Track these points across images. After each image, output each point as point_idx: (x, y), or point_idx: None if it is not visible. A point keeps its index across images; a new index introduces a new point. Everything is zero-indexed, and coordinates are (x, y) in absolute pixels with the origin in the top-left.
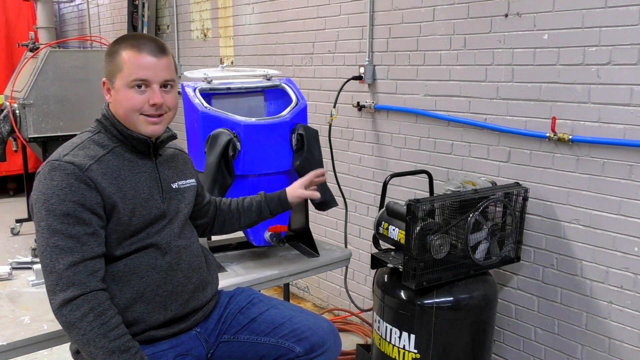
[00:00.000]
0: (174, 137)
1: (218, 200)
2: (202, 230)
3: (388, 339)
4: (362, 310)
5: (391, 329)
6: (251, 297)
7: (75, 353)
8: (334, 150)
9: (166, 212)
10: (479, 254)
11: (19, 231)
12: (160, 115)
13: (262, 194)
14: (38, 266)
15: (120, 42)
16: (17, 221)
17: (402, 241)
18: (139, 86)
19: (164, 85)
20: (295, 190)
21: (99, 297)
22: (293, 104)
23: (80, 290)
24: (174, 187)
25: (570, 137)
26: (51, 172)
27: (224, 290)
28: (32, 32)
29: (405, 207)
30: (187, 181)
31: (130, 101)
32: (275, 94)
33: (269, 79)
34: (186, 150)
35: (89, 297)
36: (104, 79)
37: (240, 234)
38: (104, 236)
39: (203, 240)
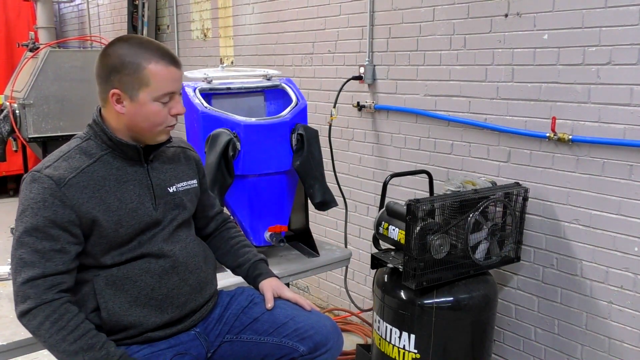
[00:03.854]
0: (168, 140)
1: (226, 224)
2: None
3: (388, 339)
4: (362, 310)
5: (391, 329)
6: (252, 297)
7: None
8: (334, 150)
9: (160, 218)
10: (479, 254)
11: None
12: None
13: (258, 257)
14: None
15: (140, 51)
16: None
17: (402, 241)
18: (168, 99)
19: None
20: (266, 290)
21: (54, 304)
22: (293, 104)
23: (34, 303)
24: (170, 191)
25: (570, 137)
26: (31, 184)
27: (224, 290)
28: (32, 32)
29: (405, 207)
30: (188, 183)
31: (158, 115)
32: (275, 94)
33: (269, 79)
34: (189, 146)
35: (43, 307)
36: (116, 90)
37: None
38: (74, 253)
39: None
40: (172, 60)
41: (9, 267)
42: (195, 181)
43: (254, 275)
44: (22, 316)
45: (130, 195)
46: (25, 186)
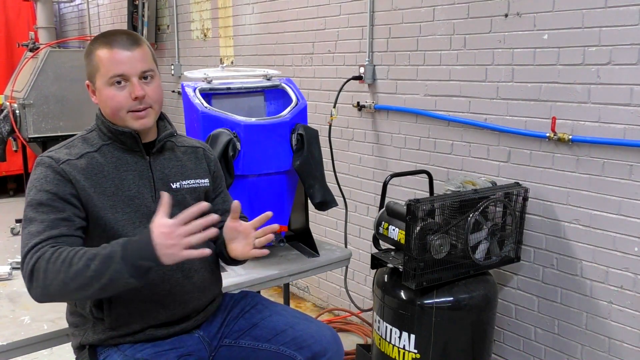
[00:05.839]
0: (172, 134)
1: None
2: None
3: (388, 339)
4: (362, 310)
5: (391, 329)
6: (255, 302)
7: (77, 349)
8: (334, 150)
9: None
10: (479, 254)
11: (19, 231)
12: (145, 109)
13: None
14: None
15: (94, 41)
16: (17, 221)
17: (402, 241)
18: (119, 82)
19: (143, 77)
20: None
21: (50, 250)
22: (293, 104)
23: (35, 258)
24: (173, 187)
25: (570, 137)
26: (35, 167)
27: (228, 293)
28: (32, 32)
29: (405, 207)
30: (196, 181)
31: (114, 100)
32: (275, 94)
33: (269, 79)
34: (204, 146)
35: (42, 257)
36: (87, 81)
37: None
38: (79, 223)
39: None
40: (121, 44)
41: (9, 267)
42: (206, 180)
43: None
44: (29, 281)
45: (128, 184)
46: (32, 171)
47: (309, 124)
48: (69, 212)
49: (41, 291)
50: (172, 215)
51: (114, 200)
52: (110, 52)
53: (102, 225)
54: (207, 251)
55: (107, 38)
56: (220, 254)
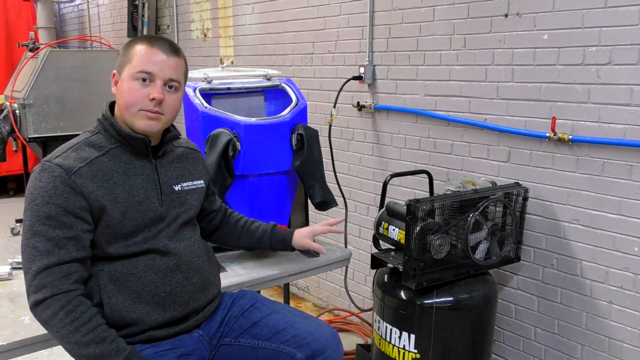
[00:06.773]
0: (176, 137)
1: (228, 212)
2: (204, 234)
3: (388, 339)
4: (362, 310)
5: (391, 329)
6: (254, 301)
7: None
8: (334, 150)
9: (164, 215)
10: (479, 254)
11: (19, 231)
12: (157, 113)
13: (271, 225)
14: None
15: (137, 38)
16: (17, 221)
17: (402, 241)
18: (144, 79)
19: (168, 85)
20: (303, 239)
21: (70, 295)
22: (293, 104)
23: (50, 292)
24: (176, 189)
25: (570, 137)
26: (41, 173)
27: (227, 292)
28: (32, 32)
29: (405, 207)
30: (194, 182)
31: (132, 93)
32: (275, 94)
33: (269, 79)
34: (198, 149)
35: (59, 297)
36: (114, 70)
37: None
38: (87, 240)
39: None
40: (161, 47)
41: (9, 267)
42: (202, 181)
43: (279, 240)
44: (36, 306)
45: (137, 188)
46: (34, 176)
47: (309, 124)
48: (77, 229)
49: (39, 319)
50: (174, 215)
51: (125, 207)
52: (149, 50)
53: (109, 234)
54: None
55: (151, 39)
56: (264, 246)
